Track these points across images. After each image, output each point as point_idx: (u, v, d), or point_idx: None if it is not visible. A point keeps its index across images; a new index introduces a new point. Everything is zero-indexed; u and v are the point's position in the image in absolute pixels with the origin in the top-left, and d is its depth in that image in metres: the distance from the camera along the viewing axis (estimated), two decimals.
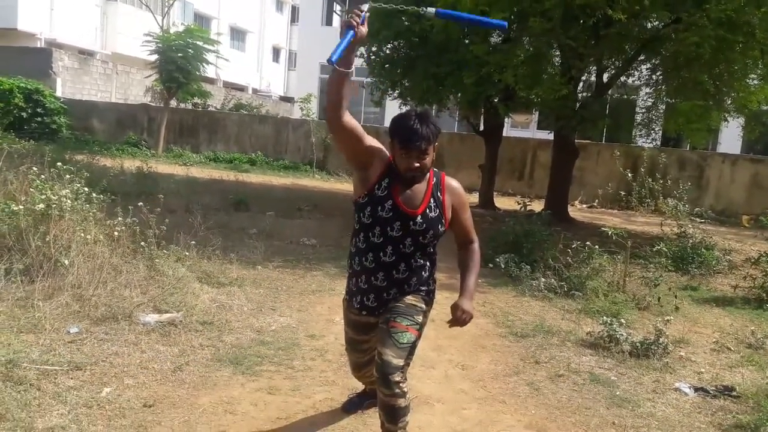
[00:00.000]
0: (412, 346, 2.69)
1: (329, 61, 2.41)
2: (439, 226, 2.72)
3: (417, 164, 2.61)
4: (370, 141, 2.70)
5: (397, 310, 2.73)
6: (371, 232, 2.71)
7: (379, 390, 2.62)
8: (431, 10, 2.65)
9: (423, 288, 2.82)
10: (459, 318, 2.67)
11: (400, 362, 2.61)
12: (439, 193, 2.74)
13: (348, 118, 2.58)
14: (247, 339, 4.30)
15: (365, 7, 2.53)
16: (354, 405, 3.37)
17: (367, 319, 2.85)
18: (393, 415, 2.64)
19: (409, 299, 2.77)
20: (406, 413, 2.67)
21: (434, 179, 2.74)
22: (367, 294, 2.79)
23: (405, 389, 2.62)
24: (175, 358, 3.85)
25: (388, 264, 2.72)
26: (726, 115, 11.82)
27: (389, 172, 2.68)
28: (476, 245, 2.88)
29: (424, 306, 2.81)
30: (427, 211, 2.69)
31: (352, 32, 2.45)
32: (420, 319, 2.75)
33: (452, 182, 2.81)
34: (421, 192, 2.70)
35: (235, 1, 35.73)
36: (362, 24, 2.48)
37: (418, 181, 2.69)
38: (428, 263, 2.82)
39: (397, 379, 2.58)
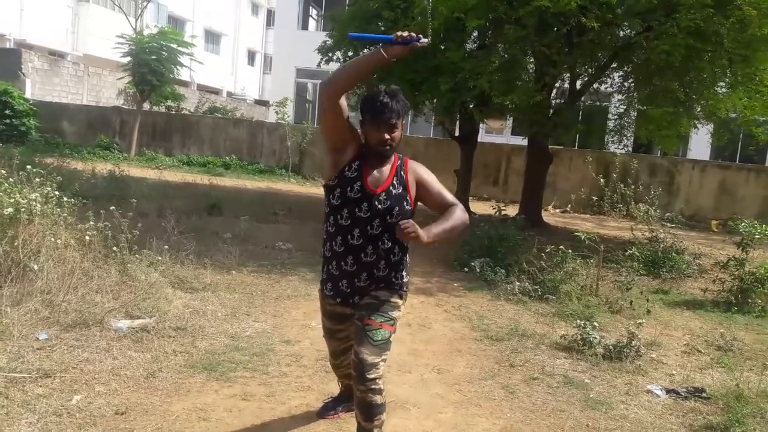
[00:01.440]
0: (387, 342, 2.73)
1: (350, 36, 2.79)
2: (404, 204, 2.76)
3: (387, 136, 2.69)
4: (351, 122, 2.76)
5: (371, 307, 2.77)
6: (339, 214, 2.76)
7: (356, 387, 2.66)
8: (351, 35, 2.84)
9: (396, 281, 2.84)
10: (406, 226, 2.49)
11: (376, 359, 2.65)
12: (402, 173, 2.81)
13: (342, 99, 2.68)
14: (221, 345, 4.25)
15: (424, 41, 2.52)
16: (329, 409, 3.36)
17: (342, 309, 2.88)
18: (369, 412, 2.68)
19: (383, 294, 2.81)
20: (382, 411, 2.71)
21: (398, 161, 2.83)
22: (340, 280, 2.82)
23: (381, 386, 2.66)
24: (147, 364, 3.79)
25: (356, 247, 2.76)
26: (696, 122, 12.06)
27: (360, 156, 2.76)
28: (460, 207, 2.80)
29: (398, 300, 2.85)
30: (390, 188, 2.75)
31: (390, 38, 2.51)
32: (394, 314, 2.80)
33: (414, 163, 2.89)
34: (386, 173, 2.78)
35: (210, 3, 35.49)
36: (401, 45, 2.51)
37: (388, 156, 2.76)
38: (397, 248, 2.82)
39: (373, 376, 2.63)
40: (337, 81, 2.65)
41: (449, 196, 2.85)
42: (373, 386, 2.62)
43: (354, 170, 2.75)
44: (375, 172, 2.76)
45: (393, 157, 2.81)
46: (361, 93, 11.92)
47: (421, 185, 2.83)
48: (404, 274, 2.89)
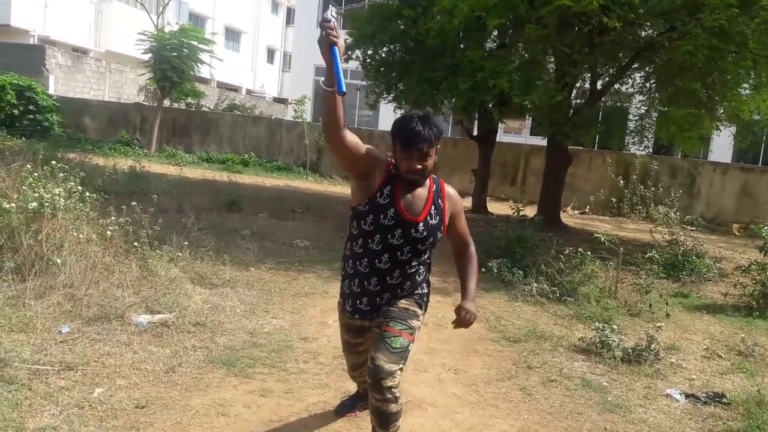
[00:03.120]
0: (405, 351, 2.66)
1: (339, 92, 2.41)
2: (438, 234, 2.74)
3: (419, 166, 2.58)
4: (369, 150, 2.65)
5: (391, 314, 2.71)
6: (371, 239, 2.69)
7: (371, 395, 2.60)
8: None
9: (417, 292, 2.82)
10: (463, 319, 2.67)
11: (393, 367, 2.58)
12: (440, 200, 2.74)
13: (348, 135, 2.53)
14: (239, 341, 4.29)
15: (330, 15, 2.48)
16: (346, 408, 3.37)
17: (361, 323, 2.85)
18: (385, 420, 2.63)
19: (403, 303, 2.76)
20: (397, 418, 2.66)
21: (434, 186, 2.74)
22: (360, 298, 2.78)
23: (397, 394, 2.59)
24: (167, 359, 3.83)
25: (382, 270, 2.72)
26: (718, 124, 11.91)
27: (390, 179, 2.66)
28: (473, 249, 2.90)
29: (418, 310, 2.80)
30: (428, 218, 2.69)
31: (335, 49, 2.43)
32: (414, 323, 2.74)
33: (450, 189, 2.83)
34: (422, 198, 2.69)
35: (231, 1, 35.70)
36: (338, 36, 2.45)
37: (420, 184, 2.67)
38: (422, 268, 2.83)
39: (390, 384, 2.55)
40: (328, 132, 2.51)
41: (469, 235, 2.93)
42: (388, 395, 2.56)
43: (386, 196, 2.64)
44: (409, 196, 2.67)
45: (428, 181, 2.72)
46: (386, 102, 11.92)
47: (453, 218, 2.82)
48: (425, 285, 2.88)
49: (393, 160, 2.68)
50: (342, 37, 2.48)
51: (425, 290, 2.88)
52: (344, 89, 2.41)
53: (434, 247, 2.80)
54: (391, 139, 2.65)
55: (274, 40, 42.25)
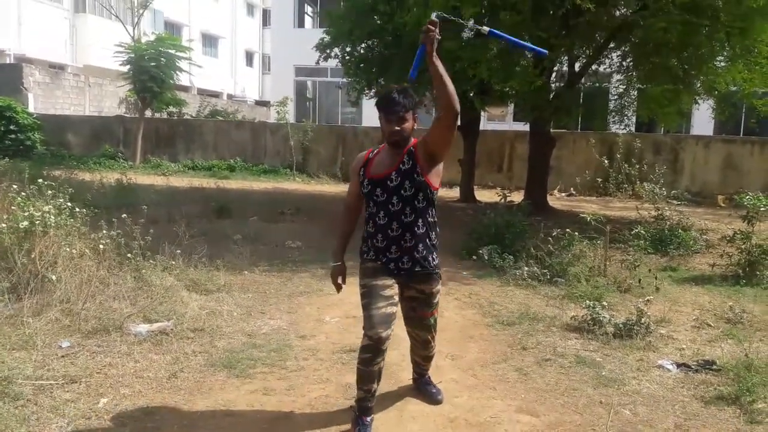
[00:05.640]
0: (436, 321, 3.45)
1: (409, 79, 2.90)
2: (415, 175, 3.07)
3: (397, 128, 3.06)
4: (353, 180, 3.30)
5: (420, 300, 3.27)
6: (369, 204, 3.21)
7: (425, 351, 3.53)
8: (485, 28, 2.95)
9: (431, 266, 3.20)
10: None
11: (433, 334, 3.48)
12: (412, 149, 3.12)
13: (357, 202, 3.32)
14: (239, 343, 4.35)
15: (435, 17, 2.84)
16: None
17: (386, 266, 3.16)
18: (431, 357, 3.61)
19: (426, 288, 3.23)
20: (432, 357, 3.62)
21: (410, 146, 3.14)
22: (384, 251, 3.16)
23: (434, 344, 3.54)
24: (169, 365, 3.89)
25: (382, 226, 3.14)
26: (696, 98, 12.06)
27: (363, 165, 3.22)
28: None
29: (438, 287, 3.31)
30: (401, 166, 3.10)
31: (423, 47, 2.83)
32: (437, 300, 3.34)
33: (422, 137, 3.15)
34: (394, 157, 3.13)
35: (206, 7, 35.56)
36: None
37: (402, 146, 3.11)
38: (421, 222, 3.14)
39: (432, 344, 3.51)
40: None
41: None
42: (433, 343, 3.51)
43: (362, 177, 3.20)
44: (379, 161, 3.17)
45: (409, 145, 3.12)
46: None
47: (425, 143, 3.07)
48: (435, 255, 3.23)
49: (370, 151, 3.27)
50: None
51: (436, 260, 3.23)
52: (413, 77, 2.89)
53: (423, 193, 3.10)
54: (377, 110, 3.12)
55: (252, 43, 42.12)
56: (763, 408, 3.46)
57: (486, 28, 2.93)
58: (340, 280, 3.34)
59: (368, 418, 3.12)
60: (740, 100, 12.22)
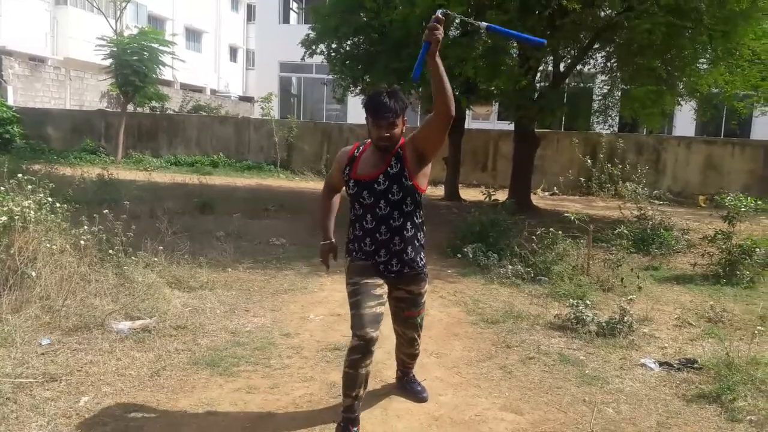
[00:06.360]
0: (423, 319, 3.44)
1: (414, 79, 2.81)
2: (403, 179, 3.00)
3: (387, 134, 2.95)
4: (337, 174, 3.22)
5: (408, 301, 3.25)
6: (355, 206, 3.13)
7: (411, 349, 3.52)
8: (483, 24, 2.95)
9: (418, 266, 3.17)
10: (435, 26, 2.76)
11: (419, 332, 3.48)
12: (400, 151, 3.02)
13: (338, 185, 3.27)
14: (222, 341, 4.31)
15: (440, 14, 2.75)
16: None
17: (375, 266, 3.11)
18: (416, 355, 3.60)
19: (415, 288, 3.22)
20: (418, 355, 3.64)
21: (399, 148, 3.04)
22: (373, 254, 3.12)
23: (420, 342, 3.56)
24: (151, 363, 3.85)
25: (370, 230, 3.07)
26: (679, 99, 12.19)
27: (349, 163, 3.12)
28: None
29: (425, 286, 3.28)
30: (388, 169, 3.02)
31: (427, 44, 2.72)
32: (424, 299, 3.33)
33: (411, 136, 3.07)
34: (382, 159, 3.03)
35: (190, 1, 35.22)
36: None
37: (389, 150, 3.00)
38: (409, 224, 3.09)
39: (419, 341, 3.52)
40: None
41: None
42: (419, 341, 3.52)
43: (347, 176, 3.11)
44: (366, 160, 3.07)
45: (396, 146, 3.02)
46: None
47: (416, 141, 3.00)
48: (423, 255, 3.21)
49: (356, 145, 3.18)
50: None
51: (423, 260, 3.21)
52: (416, 77, 2.79)
53: (410, 197, 3.04)
54: (364, 112, 3.00)
55: (236, 38, 41.84)
56: (743, 406, 3.50)
57: (484, 24, 2.93)
58: (331, 257, 3.30)
59: (355, 429, 3.02)
60: (722, 102, 12.37)
